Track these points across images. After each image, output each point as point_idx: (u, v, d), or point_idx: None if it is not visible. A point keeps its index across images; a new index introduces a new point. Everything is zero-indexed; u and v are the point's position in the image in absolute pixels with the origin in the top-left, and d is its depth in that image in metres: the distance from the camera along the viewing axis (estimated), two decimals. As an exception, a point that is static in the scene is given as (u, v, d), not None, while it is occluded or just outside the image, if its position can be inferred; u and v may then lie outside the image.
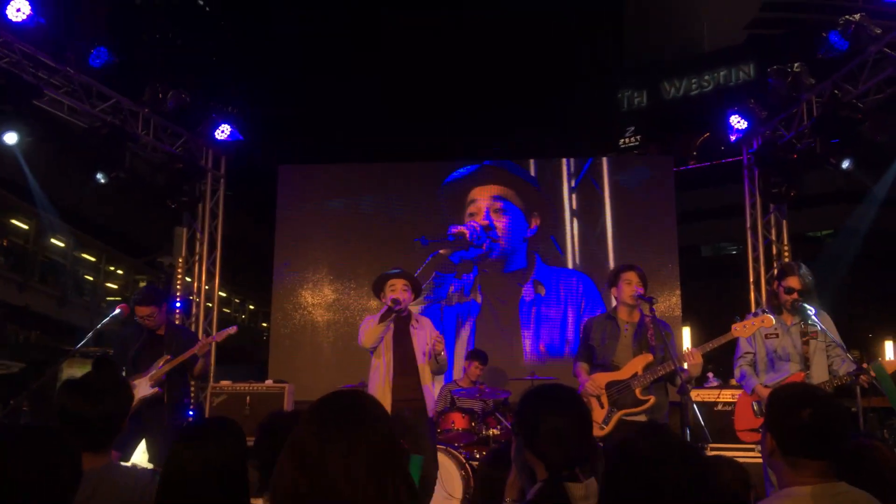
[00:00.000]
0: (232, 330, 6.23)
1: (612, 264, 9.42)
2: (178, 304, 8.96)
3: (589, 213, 9.90)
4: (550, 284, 9.67)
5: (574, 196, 9.95)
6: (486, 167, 10.22)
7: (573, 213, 9.90)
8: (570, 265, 9.78)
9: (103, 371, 2.57)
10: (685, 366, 4.76)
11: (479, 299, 9.74)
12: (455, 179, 10.13)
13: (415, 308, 6.36)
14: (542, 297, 9.61)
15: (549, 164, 10.20)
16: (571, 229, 9.85)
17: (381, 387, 5.18)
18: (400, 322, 5.34)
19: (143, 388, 5.53)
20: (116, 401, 2.52)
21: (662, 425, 2.16)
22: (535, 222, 9.90)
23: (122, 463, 5.07)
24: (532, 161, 10.30)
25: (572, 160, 10.12)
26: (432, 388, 5.41)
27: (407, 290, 5.32)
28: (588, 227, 9.86)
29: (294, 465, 1.52)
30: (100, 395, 2.46)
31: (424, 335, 5.37)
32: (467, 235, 9.80)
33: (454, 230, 9.84)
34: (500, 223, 9.89)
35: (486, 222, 9.83)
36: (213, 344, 9.45)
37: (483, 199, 9.95)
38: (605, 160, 10.35)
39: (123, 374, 5.64)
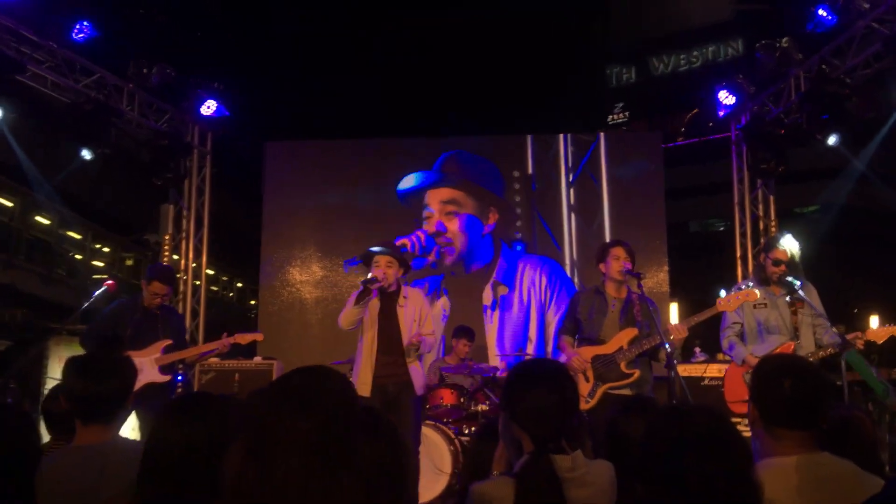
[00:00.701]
0: (258, 336, 6.19)
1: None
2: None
3: (586, 205, 9.78)
4: (512, 280, 9.51)
5: (573, 190, 9.82)
6: (443, 164, 9.98)
7: (570, 208, 9.78)
8: (566, 254, 9.71)
9: (108, 350, 2.59)
10: (671, 338, 4.80)
11: (447, 306, 9.60)
12: (410, 190, 9.94)
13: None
14: (505, 296, 9.48)
15: (546, 156, 9.98)
16: (569, 223, 9.74)
17: (364, 364, 5.13)
18: (386, 298, 5.25)
19: (151, 372, 5.50)
20: (121, 378, 2.54)
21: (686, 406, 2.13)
22: (492, 218, 9.73)
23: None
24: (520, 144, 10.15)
25: (570, 148, 9.93)
26: (420, 368, 5.27)
27: (391, 267, 5.21)
28: (584, 218, 9.75)
29: (239, 452, 1.48)
30: (105, 373, 2.49)
31: (413, 312, 5.25)
32: (408, 247, 9.66)
33: (397, 241, 9.72)
34: (452, 226, 9.76)
35: (433, 229, 9.69)
36: (202, 322, 9.50)
37: (434, 204, 9.81)
38: (602, 136, 10.26)
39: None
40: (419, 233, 9.66)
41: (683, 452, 1.56)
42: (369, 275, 5.14)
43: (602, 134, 10.47)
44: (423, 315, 5.30)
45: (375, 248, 5.33)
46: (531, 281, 9.57)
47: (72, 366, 2.54)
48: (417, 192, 9.91)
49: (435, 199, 9.85)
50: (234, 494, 1.47)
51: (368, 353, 5.15)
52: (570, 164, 9.90)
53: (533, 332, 9.35)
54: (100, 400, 2.46)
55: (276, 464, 1.43)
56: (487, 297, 9.58)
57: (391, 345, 5.13)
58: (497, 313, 9.51)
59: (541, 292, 9.49)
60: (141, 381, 5.43)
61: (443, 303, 9.57)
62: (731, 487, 1.54)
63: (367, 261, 5.34)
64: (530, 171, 9.95)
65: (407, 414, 5.06)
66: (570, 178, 9.85)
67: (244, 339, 6.01)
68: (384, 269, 5.18)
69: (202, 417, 2.02)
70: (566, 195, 9.85)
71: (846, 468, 2.12)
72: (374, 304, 5.23)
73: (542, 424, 2.15)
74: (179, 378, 6.45)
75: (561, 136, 10.04)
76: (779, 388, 2.18)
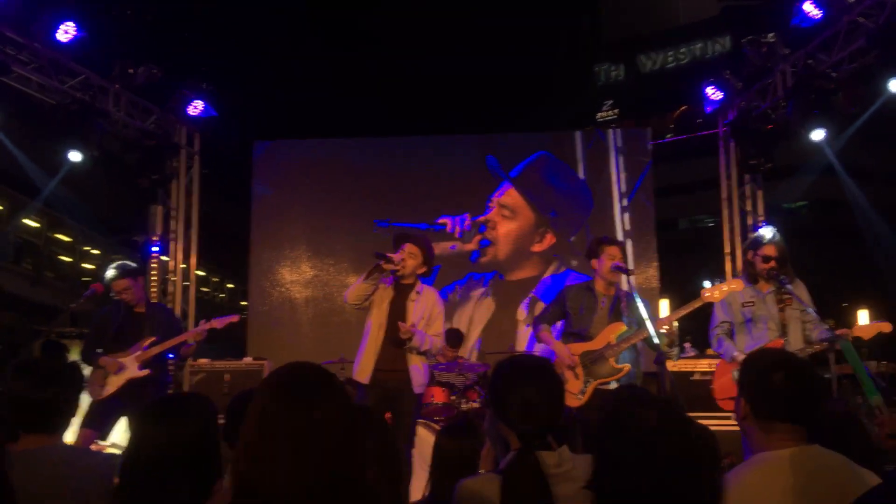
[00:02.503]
0: (234, 318, 5.99)
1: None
2: (156, 248, 8.87)
3: (641, 228, 9.76)
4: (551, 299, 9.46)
5: (627, 215, 9.78)
6: (527, 166, 9.91)
7: (626, 234, 9.71)
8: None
9: (51, 354, 2.55)
10: (664, 328, 4.81)
11: (491, 308, 9.61)
12: (495, 169, 9.86)
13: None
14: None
15: (598, 184, 9.88)
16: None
17: (368, 351, 5.01)
18: (401, 290, 5.09)
19: (130, 368, 5.46)
20: (65, 385, 2.49)
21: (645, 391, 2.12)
22: (547, 240, 9.68)
23: (99, 443, 5.06)
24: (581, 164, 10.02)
25: (622, 174, 9.85)
26: (421, 366, 5.07)
27: (413, 258, 5.04)
28: (638, 243, 9.70)
29: (251, 431, 1.48)
30: (47, 379, 2.44)
31: (423, 309, 5.08)
32: (448, 227, 9.64)
33: (440, 220, 9.71)
34: (501, 227, 9.73)
35: (483, 217, 9.69)
36: (192, 324, 9.44)
37: (496, 198, 9.79)
38: (611, 134, 10.26)
39: (100, 352, 5.59)
40: (465, 217, 9.62)
41: (633, 447, 1.56)
42: (387, 253, 5.00)
43: (614, 133, 10.47)
44: (433, 315, 5.12)
45: (410, 235, 5.20)
46: None
47: (14, 371, 2.48)
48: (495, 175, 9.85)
49: (498, 194, 9.83)
50: (236, 489, 1.46)
51: (374, 341, 5.01)
52: (622, 189, 9.82)
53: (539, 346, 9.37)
54: (39, 408, 2.39)
55: (275, 459, 1.43)
56: (521, 311, 9.56)
57: (397, 338, 4.93)
58: (530, 329, 9.51)
59: None
60: (123, 378, 5.43)
61: (488, 304, 9.56)
62: (685, 486, 1.54)
63: (396, 243, 5.16)
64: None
65: (403, 412, 4.97)
66: (625, 203, 9.79)
67: (220, 322, 5.84)
68: (405, 255, 5.03)
69: (182, 417, 2.00)
70: (620, 220, 9.80)
71: (839, 461, 2.12)
72: (387, 293, 5.08)
73: (528, 421, 2.15)
74: (168, 379, 6.41)
75: (612, 160, 9.91)
76: (770, 382, 2.18)
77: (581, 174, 9.91)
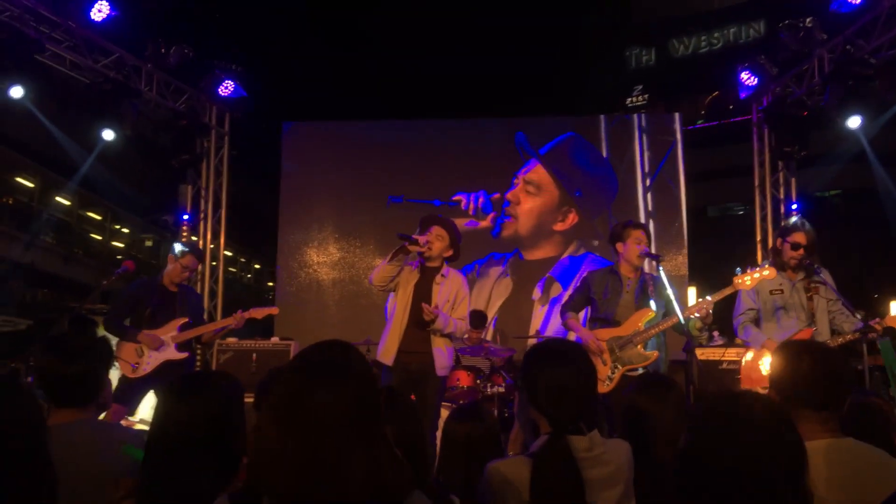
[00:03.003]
0: (273, 310, 6.03)
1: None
2: (186, 217, 9.00)
3: (665, 209, 9.66)
4: (569, 280, 9.37)
5: (650, 195, 9.69)
6: (557, 144, 9.85)
7: (648, 214, 9.65)
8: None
9: (80, 330, 2.56)
10: (696, 314, 4.76)
11: (509, 287, 9.60)
12: (522, 147, 9.85)
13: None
14: (556, 297, 9.34)
15: (621, 163, 9.78)
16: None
17: (393, 333, 5.03)
18: (427, 273, 5.11)
19: (169, 350, 5.52)
20: (93, 359, 2.50)
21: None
22: (570, 219, 9.63)
23: (129, 419, 5.12)
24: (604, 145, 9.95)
25: (646, 153, 9.75)
26: (445, 349, 5.07)
27: (440, 240, 5.06)
28: (662, 223, 9.62)
29: (271, 421, 1.48)
30: (77, 354, 2.45)
31: (448, 292, 5.08)
32: (462, 204, 9.63)
33: (455, 197, 9.70)
34: (524, 204, 9.70)
35: (509, 193, 9.65)
36: (220, 303, 9.54)
37: (522, 174, 9.75)
38: (635, 118, 10.16)
39: (128, 327, 5.63)
40: (480, 194, 9.63)
41: (740, 446, 1.51)
42: (413, 235, 5.00)
43: (639, 117, 10.34)
44: (458, 298, 5.12)
45: (436, 216, 5.21)
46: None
47: (44, 346, 2.50)
48: (524, 152, 9.85)
49: (527, 171, 9.81)
50: (266, 465, 1.46)
51: (399, 323, 5.02)
52: (646, 169, 9.75)
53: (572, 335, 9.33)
54: (69, 382, 2.41)
55: (307, 437, 1.43)
56: (536, 291, 9.54)
57: (421, 320, 4.94)
58: (545, 309, 9.50)
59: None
60: (158, 359, 5.48)
61: (506, 284, 9.58)
62: (784, 492, 1.50)
63: (423, 226, 5.17)
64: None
65: (427, 394, 4.96)
66: (648, 183, 9.73)
67: (259, 313, 5.90)
68: (432, 238, 5.05)
69: (206, 395, 2.00)
70: (643, 200, 9.74)
71: (876, 455, 2.09)
72: (413, 275, 5.11)
73: (560, 406, 2.14)
74: (194, 359, 6.46)
75: (636, 140, 9.85)
76: (801, 368, 2.18)
77: (604, 155, 9.84)
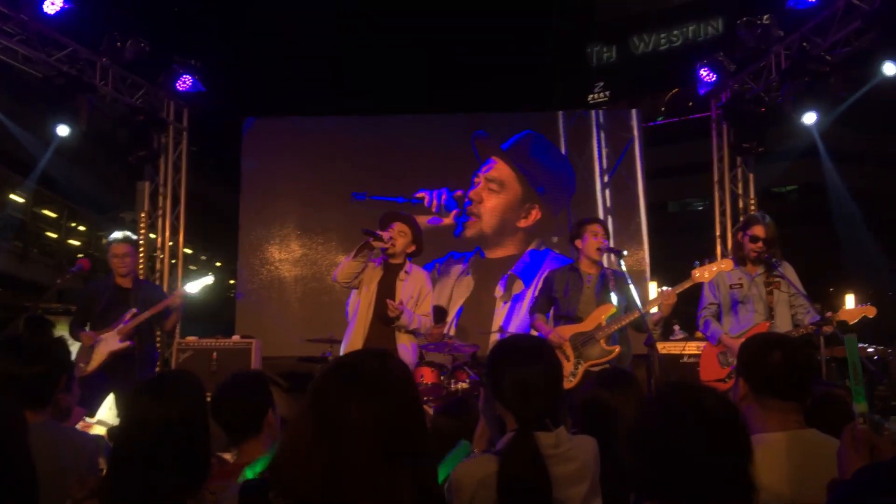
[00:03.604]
0: (208, 280, 5.97)
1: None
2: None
3: (623, 206, 9.72)
4: (531, 277, 9.44)
5: (608, 192, 9.76)
6: (516, 142, 9.86)
7: (606, 211, 9.72)
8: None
9: (36, 329, 2.49)
10: (656, 308, 4.81)
11: (471, 286, 9.61)
12: (484, 138, 9.85)
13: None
14: (519, 293, 9.42)
15: (580, 160, 9.84)
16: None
17: (357, 331, 5.01)
18: (390, 269, 5.11)
19: (111, 342, 5.47)
20: (51, 360, 2.45)
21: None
22: (533, 216, 9.68)
23: (87, 420, 5.01)
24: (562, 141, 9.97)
25: (604, 150, 9.82)
26: (409, 345, 5.09)
27: (402, 236, 5.06)
28: (621, 220, 9.67)
29: (309, 423, 1.46)
30: (33, 354, 2.40)
31: (412, 289, 5.09)
32: (426, 201, 9.61)
33: (417, 193, 9.67)
34: (487, 202, 9.71)
35: (471, 192, 9.66)
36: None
37: (483, 173, 9.76)
38: (593, 115, 10.20)
39: (88, 328, 5.57)
40: (443, 191, 9.60)
41: (692, 433, 1.52)
42: (377, 231, 5.00)
43: (596, 114, 10.39)
44: (422, 294, 5.13)
45: (397, 212, 5.22)
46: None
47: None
48: (482, 149, 9.83)
49: (485, 170, 9.79)
50: (296, 467, 1.44)
51: (362, 321, 5.00)
52: (604, 166, 9.80)
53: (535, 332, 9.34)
54: (23, 384, 2.34)
55: (349, 447, 1.41)
56: (498, 289, 9.56)
57: (385, 316, 4.94)
58: (507, 306, 9.50)
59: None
60: (103, 353, 5.42)
61: (468, 282, 9.57)
62: (732, 476, 1.52)
63: (384, 223, 5.16)
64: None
65: None
66: (606, 180, 9.77)
67: (195, 286, 5.88)
68: (394, 234, 5.04)
69: (174, 394, 1.97)
70: (601, 196, 9.78)
71: (836, 446, 2.12)
72: (376, 272, 5.10)
73: (526, 402, 2.13)
74: (156, 354, 6.37)
75: (595, 136, 9.90)
76: (769, 359, 2.23)
77: (563, 151, 9.88)
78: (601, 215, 9.55)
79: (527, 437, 2.07)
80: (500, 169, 9.78)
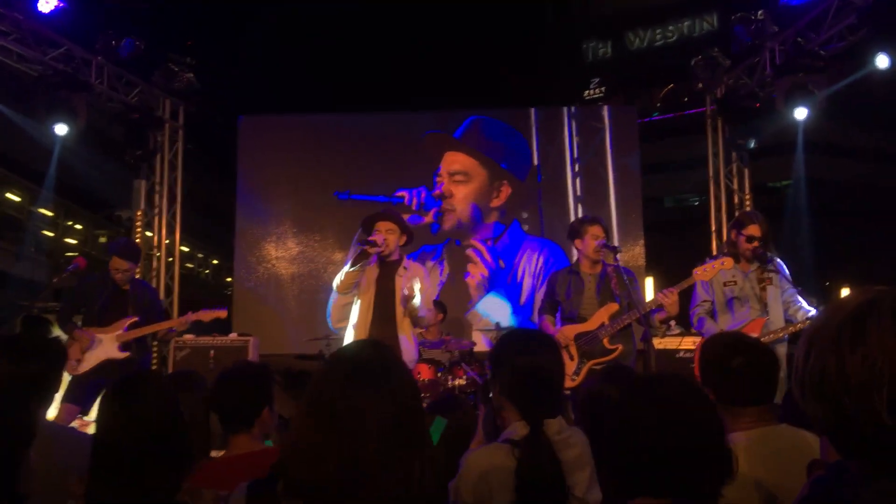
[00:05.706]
0: (222, 313, 5.96)
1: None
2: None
3: (593, 194, 9.71)
4: (511, 258, 9.51)
5: (579, 181, 9.76)
6: (465, 129, 9.90)
7: (577, 199, 9.71)
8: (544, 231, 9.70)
9: (33, 330, 2.51)
10: (662, 306, 4.83)
11: (445, 270, 9.63)
12: (435, 134, 9.91)
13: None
14: (500, 269, 9.48)
15: (552, 147, 9.84)
16: (576, 214, 9.49)
17: (358, 330, 5.04)
18: (386, 267, 5.14)
19: (109, 347, 5.45)
20: (47, 360, 2.44)
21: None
22: (504, 193, 9.70)
23: (83, 418, 5.02)
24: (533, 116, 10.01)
25: (575, 138, 9.81)
26: (411, 341, 5.12)
27: (391, 234, 5.10)
28: (591, 208, 9.57)
29: (315, 419, 1.46)
30: (30, 355, 2.39)
31: (411, 283, 5.10)
32: (406, 199, 9.62)
33: (397, 193, 9.68)
34: (457, 192, 9.72)
35: (439, 191, 9.68)
36: (176, 300, 9.39)
37: (445, 167, 9.77)
38: (565, 110, 10.21)
39: (78, 323, 5.57)
40: (422, 190, 9.63)
41: (656, 422, 1.54)
42: (368, 238, 5.04)
43: (569, 108, 10.36)
44: (422, 287, 5.15)
45: (380, 213, 5.26)
46: (528, 260, 9.56)
47: None
48: (445, 140, 9.85)
49: (446, 163, 9.81)
50: (304, 462, 1.44)
51: (363, 320, 5.04)
52: (574, 155, 9.81)
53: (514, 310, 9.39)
54: (15, 383, 2.34)
55: (361, 439, 1.41)
56: (483, 268, 9.60)
57: (385, 314, 4.99)
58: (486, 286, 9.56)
59: (535, 273, 9.49)
60: (100, 357, 5.41)
61: (442, 270, 9.60)
62: (705, 456, 1.52)
63: (367, 227, 5.20)
64: (536, 161, 9.87)
65: None
66: (576, 169, 9.79)
67: (206, 316, 5.84)
68: (384, 234, 5.07)
69: (139, 399, 1.97)
70: (571, 185, 9.79)
71: (807, 438, 2.14)
72: (373, 270, 5.13)
73: (530, 394, 2.16)
74: (149, 358, 6.37)
75: (566, 126, 9.90)
76: (728, 368, 2.21)
77: (535, 145, 9.89)
78: (571, 204, 9.64)
79: (539, 424, 2.12)
80: (458, 159, 9.81)
